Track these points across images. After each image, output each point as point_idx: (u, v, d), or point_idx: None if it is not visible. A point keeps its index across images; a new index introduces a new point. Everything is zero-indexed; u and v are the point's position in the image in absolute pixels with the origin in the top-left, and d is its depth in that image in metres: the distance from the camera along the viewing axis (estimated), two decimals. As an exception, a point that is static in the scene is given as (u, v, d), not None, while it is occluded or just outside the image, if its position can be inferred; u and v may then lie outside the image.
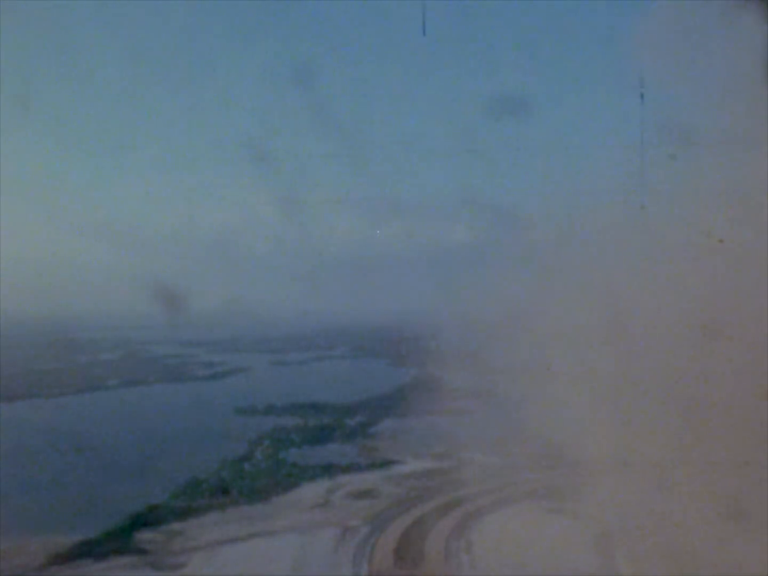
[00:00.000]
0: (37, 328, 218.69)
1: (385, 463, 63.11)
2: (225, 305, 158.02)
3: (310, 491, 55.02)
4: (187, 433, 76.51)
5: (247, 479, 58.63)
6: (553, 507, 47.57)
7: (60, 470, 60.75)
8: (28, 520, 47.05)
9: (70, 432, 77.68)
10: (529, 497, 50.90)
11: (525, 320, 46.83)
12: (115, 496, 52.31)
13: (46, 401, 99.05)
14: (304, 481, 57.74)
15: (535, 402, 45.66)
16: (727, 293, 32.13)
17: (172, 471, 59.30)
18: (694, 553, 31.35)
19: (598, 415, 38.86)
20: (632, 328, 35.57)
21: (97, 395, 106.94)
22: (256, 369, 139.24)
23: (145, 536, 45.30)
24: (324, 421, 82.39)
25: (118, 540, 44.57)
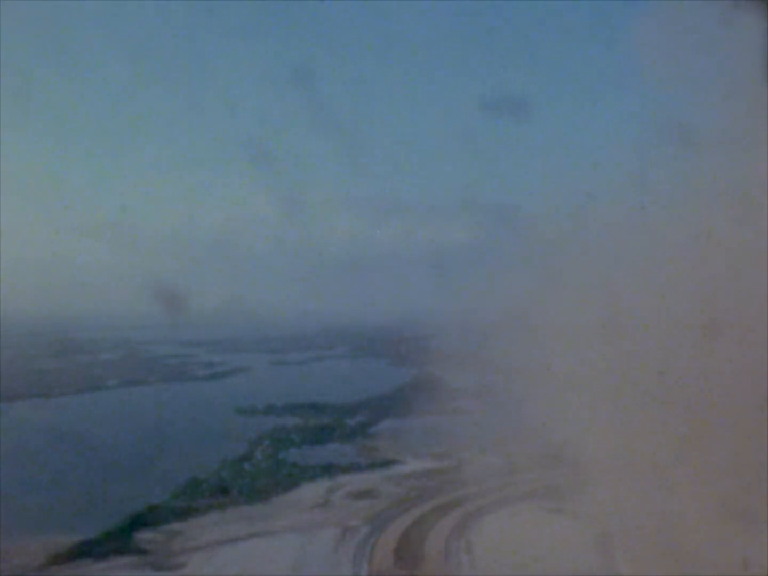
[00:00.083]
0: (37, 328, 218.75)
1: (385, 463, 63.09)
2: (225, 305, 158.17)
3: (310, 491, 54.99)
4: (187, 433, 76.50)
5: (247, 479, 58.60)
6: (553, 507, 47.55)
7: (60, 470, 60.72)
8: (28, 520, 47.03)
9: (70, 432, 77.69)
10: (529, 497, 50.86)
11: (525, 320, 46.87)
12: (115, 496, 52.28)
13: (46, 401, 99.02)
14: (304, 481, 57.72)
15: (535, 402, 45.68)
16: (727, 293, 32.13)
17: (172, 471, 59.26)
18: (694, 553, 31.35)
19: (598, 415, 38.89)
20: (632, 327, 35.59)
21: (97, 395, 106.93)
22: (256, 369, 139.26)
23: (145, 536, 45.28)
24: (324, 421, 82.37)
25: (118, 540, 44.54)
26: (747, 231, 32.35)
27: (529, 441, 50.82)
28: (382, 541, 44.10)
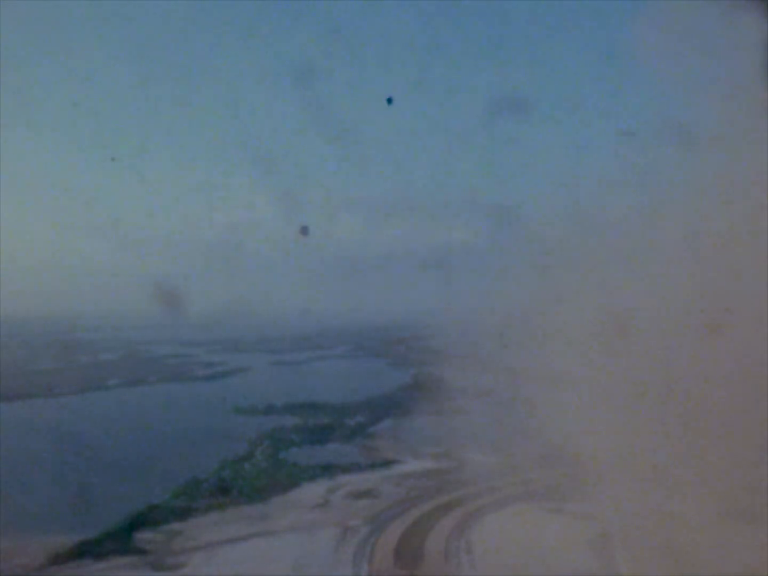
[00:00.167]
0: (37, 328, 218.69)
1: (385, 463, 63.13)
2: (225, 305, 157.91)
3: (310, 491, 55.01)
4: (187, 433, 76.47)
5: (247, 479, 58.62)
6: (553, 507, 47.56)
7: (60, 470, 60.69)
8: (28, 520, 47.04)
9: (70, 432, 77.66)
10: (529, 497, 50.88)
11: (525, 320, 46.84)
12: (115, 496, 52.28)
13: (46, 401, 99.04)
14: (304, 481, 57.74)
15: (536, 402, 45.67)
16: (727, 293, 32.10)
17: (172, 471, 59.28)
18: (694, 553, 31.34)
19: (598, 415, 38.86)
20: (632, 327, 35.56)
21: (97, 395, 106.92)
22: (256, 369, 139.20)
23: (145, 536, 45.31)
24: (324, 421, 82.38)
25: (118, 540, 44.58)
26: (747, 231, 32.32)
27: (529, 441, 50.80)
28: (382, 541, 44.13)
